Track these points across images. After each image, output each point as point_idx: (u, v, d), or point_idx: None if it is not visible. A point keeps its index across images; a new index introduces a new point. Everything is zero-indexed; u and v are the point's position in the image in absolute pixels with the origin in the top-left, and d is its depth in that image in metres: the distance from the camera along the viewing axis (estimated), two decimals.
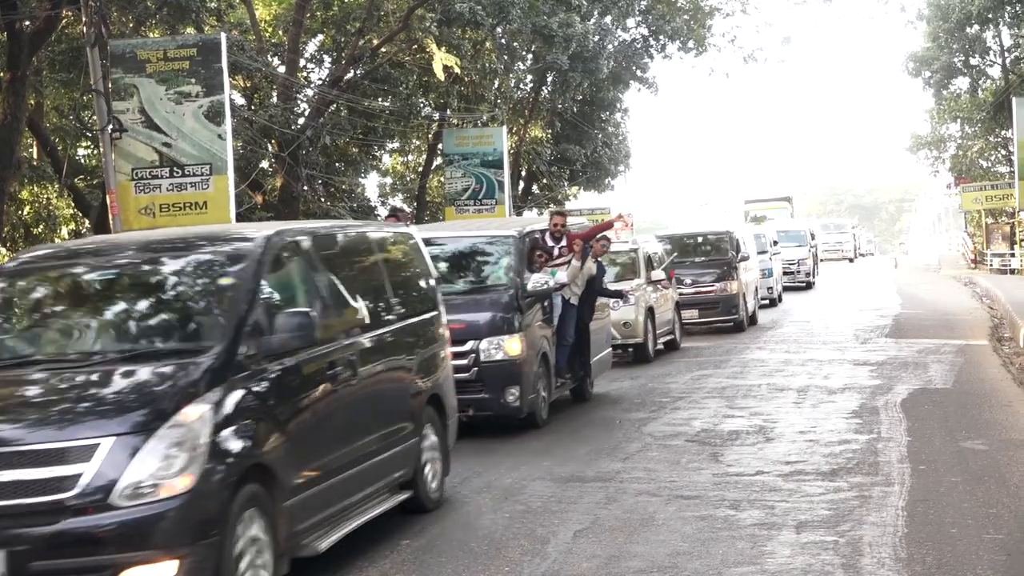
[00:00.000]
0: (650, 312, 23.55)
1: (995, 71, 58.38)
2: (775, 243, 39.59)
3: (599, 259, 18.10)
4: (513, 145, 48.29)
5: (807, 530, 9.95)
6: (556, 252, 16.94)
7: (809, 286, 46.93)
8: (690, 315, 27.64)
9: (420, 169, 49.59)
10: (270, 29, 40.41)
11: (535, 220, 20.73)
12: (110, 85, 25.85)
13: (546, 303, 16.40)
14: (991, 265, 52.06)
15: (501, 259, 16.25)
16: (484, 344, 15.03)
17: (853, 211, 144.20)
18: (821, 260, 57.47)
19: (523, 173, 52.09)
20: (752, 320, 30.69)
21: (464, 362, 14.78)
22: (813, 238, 51.55)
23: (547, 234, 17.21)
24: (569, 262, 16.95)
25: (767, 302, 36.01)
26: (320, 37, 42.58)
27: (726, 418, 15.93)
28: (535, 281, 15.67)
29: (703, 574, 8.83)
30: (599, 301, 18.61)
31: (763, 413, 16.19)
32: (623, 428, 15.55)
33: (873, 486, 11.47)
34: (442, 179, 46.99)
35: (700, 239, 31.19)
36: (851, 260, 73.28)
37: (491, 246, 16.60)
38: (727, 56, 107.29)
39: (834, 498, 11.03)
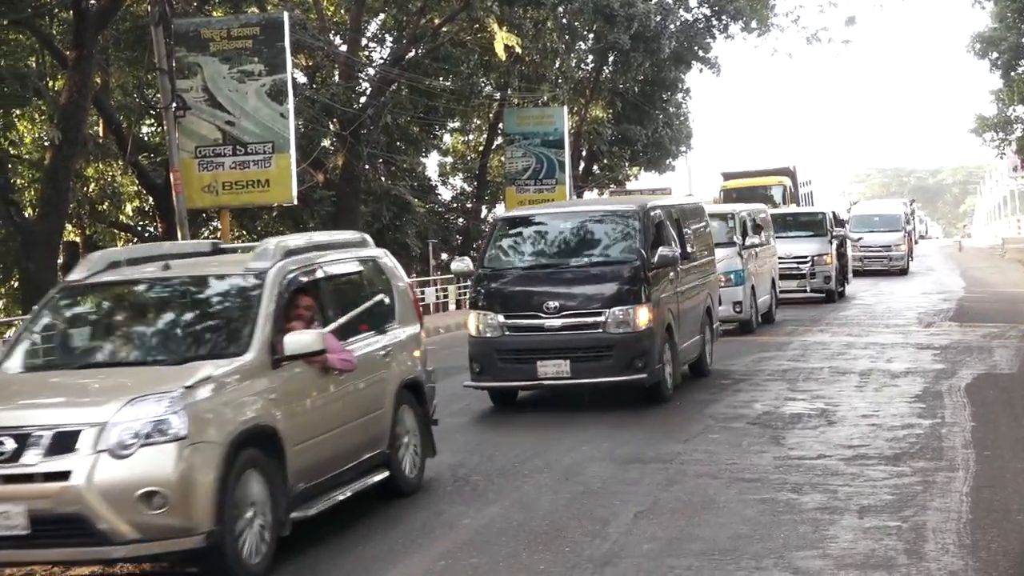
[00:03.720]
0: (266, 440, 9.16)
1: None
2: (756, 228, 25.74)
3: None
4: (574, 125, 48.23)
5: (870, 515, 9.87)
6: None
7: (832, 296, 32.31)
8: (556, 370, 15.31)
9: (481, 149, 49.64)
10: (332, 8, 40.52)
11: None
12: (174, 64, 26.06)
13: None
14: None
15: None
16: None
17: (916, 193, 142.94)
18: (854, 270, 39.54)
19: (584, 153, 52.01)
20: (699, 370, 18.26)
21: None
22: (842, 225, 36.53)
23: None
24: None
25: (735, 326, 24.27)
26: (382, 16, 42.68)
27: (788, 401, 15.83)
28: None
29: (764, 558, 8.78)
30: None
31: (825, 396, 16.07)
32: (683, 409, 15.48)
33: (937, 471, 11.36)
34: (503, 159, 46.99)
35: (579, 226, 16.67)
36: (904, 271, 44.84)
37: None
38: (790, 36, 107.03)
39: (897, 483, 10.93)
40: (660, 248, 15.95)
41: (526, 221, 17.14)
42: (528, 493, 11.18)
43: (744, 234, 24.74)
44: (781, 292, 29.03)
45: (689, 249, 17.83)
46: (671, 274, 16.50)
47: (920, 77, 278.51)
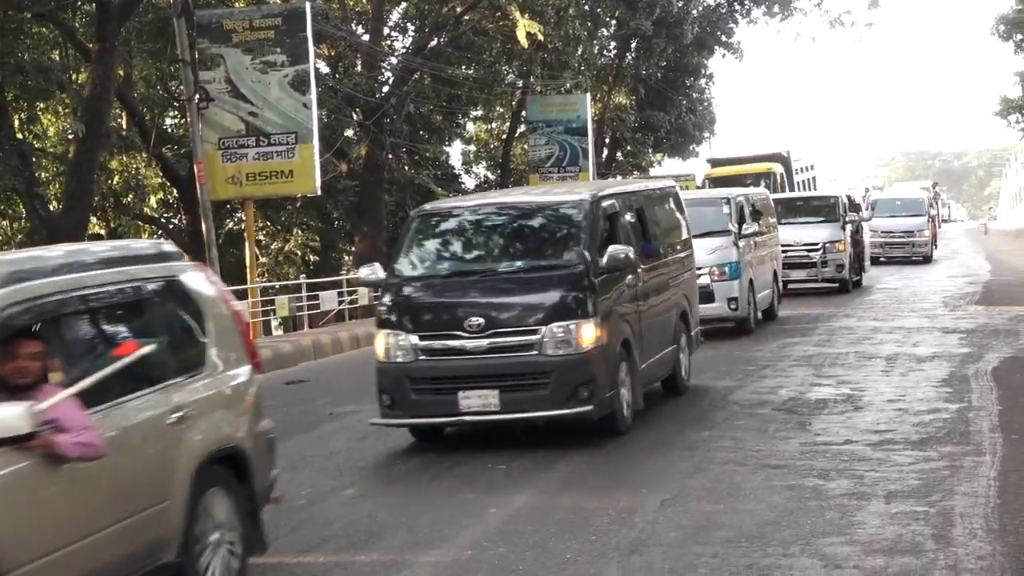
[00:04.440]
0: None
1: None
2: (755, 214, 23.25)
3: None
4: (597, 112, 48.17)
5: (897, 500, 9.84)
6: None
7: (846, 286, 30.48)
8: (481, 403, 12.44)
9: (504, 136, 49.59)
10: None
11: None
12: (196, 55, 26.11)
13: None
14: None
15: None
16: None
17: (941, 176, 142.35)
18: (875, 257, 39.85)
19: (607, 140, 51.95)
20: (672, 387, 15.49)
21: None
22: (857, 211, 34.35)
23: None
24: None
25: (731, 325, 22.11)
26: (404, 5, 42.68)
27: (813, 386, 15.79)
28: None
29: (792, 544, 8.76)
30: None
31: (851, 381, 16.03)
32: (709, 396, 15.46)
33: (964, 456, 11.32)
34: (526, 146, 47.00)
35: (513, 222, 13.69)
36: (928, 258, 42.46)
37: None
38: (813, 20, 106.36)
39: (924, 468, 10.90)
40: (611, 248, 13.01)
41: (448, 215, 14.04)
42: (553, 482, 11.18)
43: (741, 221, 22.21)
44: (790, 282, 28.27)
45: (656, 245, 15.13)
46: (628, 278, 13.66)
47: (944, 59, 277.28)
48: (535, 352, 12.45)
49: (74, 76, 31.13)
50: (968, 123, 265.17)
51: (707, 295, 20.21)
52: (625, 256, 13.10)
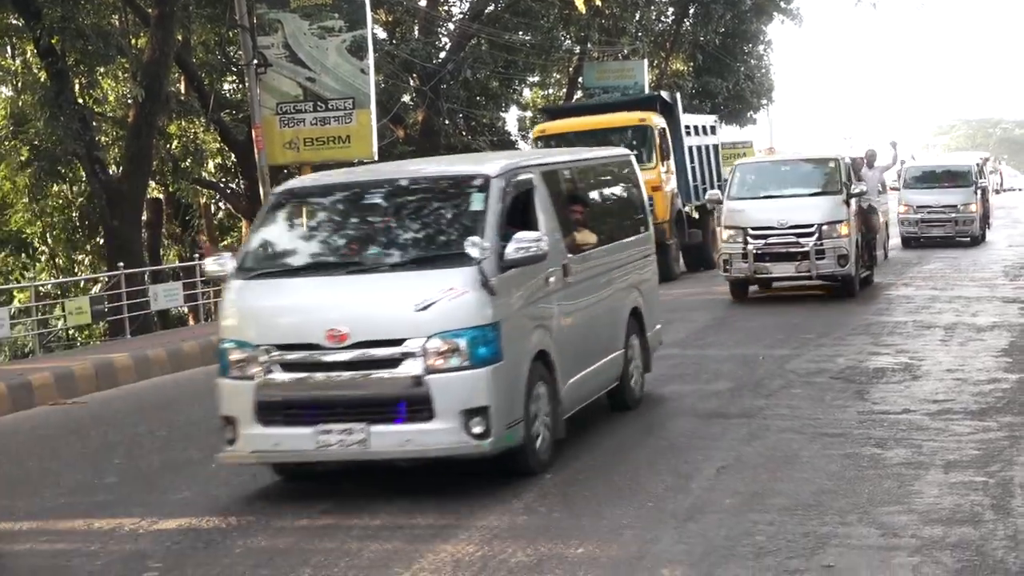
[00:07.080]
0: None
1: None
2: (572, 203, 11.64)
3: None
4: (654, 78, 47.95)
5: (956, 470, 9.78)
6: None
7: (851, 285, 21.88)
8: None
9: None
10: None
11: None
12: (255, 20, 26.21)
13: None
14: None
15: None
16: None
17: (1003, 145, 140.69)
18: (913, 236, 33.43)
19: None
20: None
21: None
22: (869, 165, 27.11)
23: None
24: None
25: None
26: None
27: (871, 355, 15.69)
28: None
29: (849, 513, 8.74)
30: None
31: (909, 350, 15.91)
32: (766, 364, 15.39)
33: None
34: None
35: None
36: (976, 239, 34.06)
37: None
38: None
39: (983, 438, 10.82)
40: None
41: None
42: (610, 448, 11.19)
43: (504, 223, 10.07)
44: (775, 279, 22.09)
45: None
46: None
47: (1009, 24, 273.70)
48: None
49: (134, 41, 31.30)
50: None
51: (417, 403, 9.47)
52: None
